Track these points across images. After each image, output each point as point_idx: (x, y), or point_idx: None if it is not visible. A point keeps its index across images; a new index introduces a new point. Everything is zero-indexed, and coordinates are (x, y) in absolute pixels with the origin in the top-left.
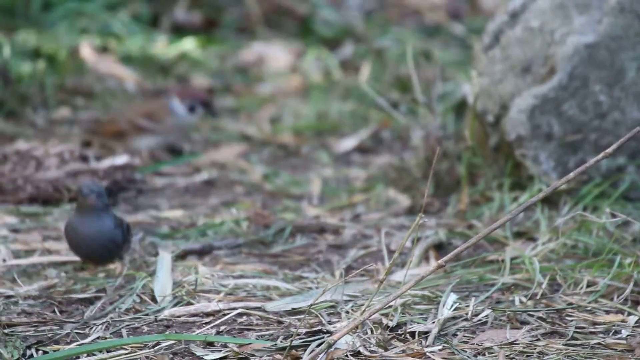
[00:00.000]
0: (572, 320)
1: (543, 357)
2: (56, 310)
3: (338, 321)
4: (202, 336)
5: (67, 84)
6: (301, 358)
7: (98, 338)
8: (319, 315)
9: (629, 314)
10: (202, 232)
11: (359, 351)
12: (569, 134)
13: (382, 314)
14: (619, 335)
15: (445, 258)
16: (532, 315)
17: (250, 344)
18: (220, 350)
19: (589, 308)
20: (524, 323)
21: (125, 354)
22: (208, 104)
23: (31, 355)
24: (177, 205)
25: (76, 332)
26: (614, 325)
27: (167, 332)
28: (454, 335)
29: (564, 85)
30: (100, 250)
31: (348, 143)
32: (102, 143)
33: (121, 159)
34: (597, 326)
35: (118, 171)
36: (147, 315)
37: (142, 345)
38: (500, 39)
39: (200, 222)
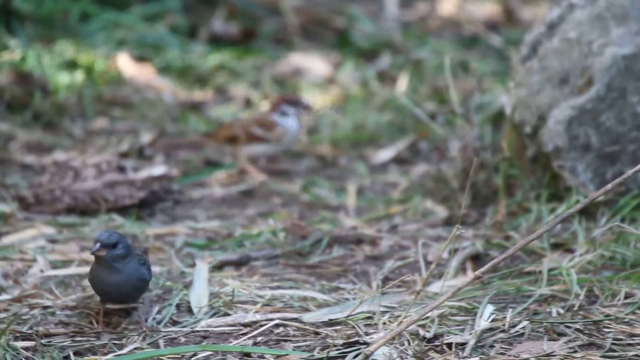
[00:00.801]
0: (609, 332)
1: None
2: (93, 320)
3: (375, 332)
4: (239, 347)
5: (105, 95)
6: None
7: (135, 349)
8: (356, 326)
9: None
10: (239, 243)
11: None
12: (606, 146)
13: (419, 325)
14: None
15: (483, 269)
16: (569, 327)
17: (287, 355)
18: None
19: (626, 320)
20: (561, 335)
21: None
22: (308, 107)
23: None
24: (214, 216)
25: (113, 343)
26: None
27: (204, 343)
28: (491, 346)
29: (601, 97)
30: (132, 292)
31: (385, 154)
32: (215, 147)
33: (158, 170)
34: (634, 338)
35: (155, 182)
36: (184, 326)
37: (180, 356)
38: (537, 50)
39: (237, 232)
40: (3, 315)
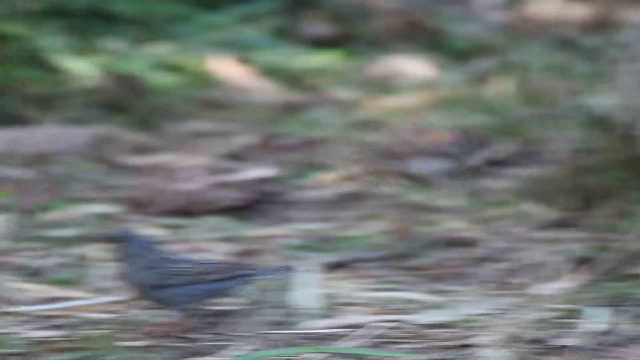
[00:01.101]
0: None
1: None
2: (204, 322)
3: (480, 334)
4: (344, 348)
5: (201, 97)
6: None
7: (240, 350)
8: (461, 329)
9: None
10: (343, 245)
11: None
12: None
13: (527, 328)
14: None
15: (591, 271)
16: None
17: (394, 356)
18: None
19: None
20: None
21: None
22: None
23: None
24: (320, 218)
25: (219, 344)
26: None
27: (308, 345)
28: (599, 350)
29: None
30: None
31: (483, 156)
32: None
33: (262, 172)
34: None
35: (260, 184)
36: (292, 327)
37: (284, 357)
38: (633, 51)
39: (343, 234)
40: (110, 316)
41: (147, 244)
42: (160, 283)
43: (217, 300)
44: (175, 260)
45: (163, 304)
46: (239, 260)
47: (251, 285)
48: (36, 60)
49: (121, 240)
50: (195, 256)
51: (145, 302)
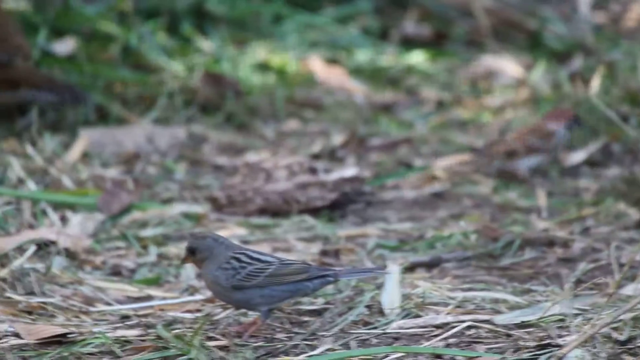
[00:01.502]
0: None
1: None
2: (285, 321)
3: (567, 335)
4: (431, 348)
5: (297, 97)
6: None
7: (327, 350)
8: (548, 329)
9: None
10: (430, 245)
11: None
12: None
13: (612, 328)
14: None
15: None
16: None
17: (478, 357)
18: None
19: None
20: None
21: None
22: (577, 120)
23: None
24: (405, 218)
25: (305, 344)
26: None
27: (395, 345)
28: None
29: None
30: (221, 297)
31: (577, 156)
32: (490, 162)
33: (350, 171)
34: None
35: (347, 183)
36: (375, 327)
37: (371, 357)
38: None
39: (428, 234)
40: (197, 315)
41: (227, 245)
42: (236, 284)
43: (301, 300)
44: (253, 261)
45: (240, 304)
46: (324, 260)
47: (334, 285)
48: (133, 61)
49: (201, 240)
50: (276, 256)
51: (223, 302)
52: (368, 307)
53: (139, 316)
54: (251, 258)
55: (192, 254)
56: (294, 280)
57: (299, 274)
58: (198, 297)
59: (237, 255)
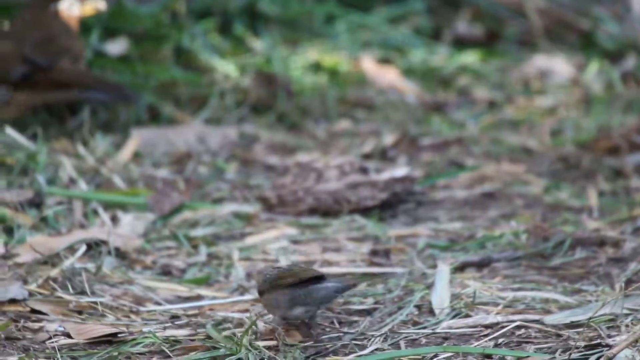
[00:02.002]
0: None
1: None
2: (335, 321)
3: (617, 335)
4: (480, 348)
5: (348, 97)
6: None
7: (376, 350)
8: (598, 329)
9: None
10: (480, 245)
11: None
12: None
13: None
14: None
15: None
16: None
17: (528, 356)
18: None
19: None
20: None
21: None
22: None
23: None
24: (456, 218)
25: (355, 344)
26: None
27: (445, 344)
28: None
29: None
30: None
31: (632, 158)
32: (593, 158)
33: (401, 171)
34: None
35: (397, 183)
36: (425, 327)
37: (420, 357)
38: None
39: (479, 234)
40: (240, 315)
41: None
42: (259, 288)
43: (349, 299)
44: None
45: (267, 307)
46: (374, 260)
47: (384, 285)
48: (185, 61)
49: None
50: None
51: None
52: (417, 307)
53: (188, 316)
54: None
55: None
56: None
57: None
58: (248, 296)
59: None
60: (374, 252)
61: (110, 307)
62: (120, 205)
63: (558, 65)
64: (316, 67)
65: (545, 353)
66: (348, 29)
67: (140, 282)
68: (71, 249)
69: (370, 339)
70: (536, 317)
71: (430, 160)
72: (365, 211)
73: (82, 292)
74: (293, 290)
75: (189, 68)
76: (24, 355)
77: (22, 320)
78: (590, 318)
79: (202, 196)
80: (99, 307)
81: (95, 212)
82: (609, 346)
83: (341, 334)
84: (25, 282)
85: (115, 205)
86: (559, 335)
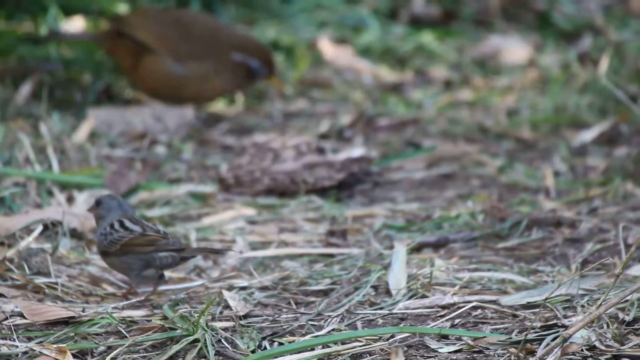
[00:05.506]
0: None
1: None
2: (292, 302)
3: (573, 315)
4: (437, 329)
5: (305, 77)
6: (536, 352)
7: (333, 330)
8: (554, 309)
9: None
10: (437, 225)
11: (594, 345)
12: None
13: (619, 309)
14: None
15: None
16: None
17: (484, 337)
18: (455, 344)
19: None
20: None
21: (360, 346)
22: None
23: (266, 347)
24: (413, 198)
25: (311, 324)
26: None
27: (401, 325)
28: None
29: None
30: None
31: (586, 136)
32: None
33: (358, 151)
34: None
35: (354, 164)
36: (381, 308)
37: (377, 337)
38: None
39: (435, 214)
40: (203, 296)
41: (123, 212)
42: (102, 249)
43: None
44: (121, 229)
45: (113, 268)
46: (330, 240)
47: (341, 265)
48: None
49: (108, 199)
50: (152, 227)
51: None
52: (374, 287)
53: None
54: (123, 226)
55: (96, 205)
56: (143, 251)
57: (147, 246)
58: (204, 278)
59: (115, 222)
60: (331, 233)
61: (67, 288)
62: (76, 186)
63: (514, 45)
64: (273, 47)
65: (502, 333)
66: (305, 8)
67: (96, 262)
68: (27, 230)
69: (327, 320)
70: (493, 297)
71: (387, 141)
72: (322, 191)
73: (39, 273)
74: (145, 255)
75: None
76: None
77: None
78: (546, 299)
79: (159, 176)
80: (58, 288)
81: (51, 193)
82: (565, 327)
83: (298, 315)
84: None
85: (71, 186)
86: (515, 316)
